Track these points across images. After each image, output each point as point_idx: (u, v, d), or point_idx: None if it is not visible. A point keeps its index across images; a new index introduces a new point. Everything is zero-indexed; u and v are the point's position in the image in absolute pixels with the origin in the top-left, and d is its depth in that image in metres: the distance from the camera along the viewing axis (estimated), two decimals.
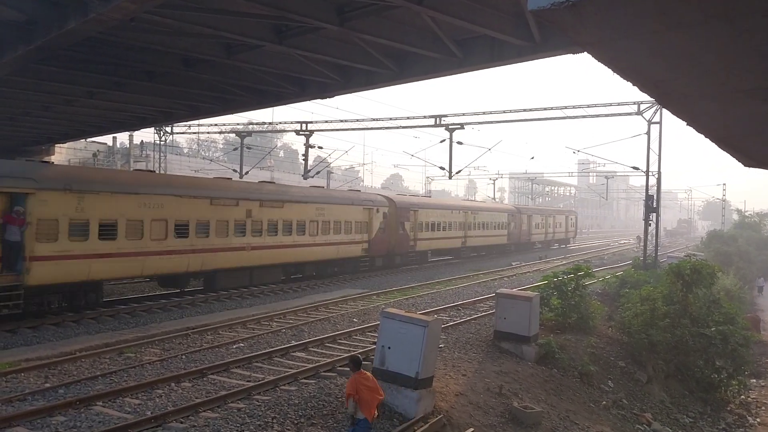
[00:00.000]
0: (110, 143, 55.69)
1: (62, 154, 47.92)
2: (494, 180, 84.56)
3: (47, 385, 12.24)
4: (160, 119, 32.69)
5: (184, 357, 14.85)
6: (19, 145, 39.42)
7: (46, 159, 40.01)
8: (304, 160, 41.61)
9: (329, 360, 14.75)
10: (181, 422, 10.45)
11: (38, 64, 18.18)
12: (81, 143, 49.94)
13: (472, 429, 11.98)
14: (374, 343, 14.77)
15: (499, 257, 48.87)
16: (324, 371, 13.97)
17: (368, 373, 9.95)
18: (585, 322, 20.41)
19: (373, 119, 38.36)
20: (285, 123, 43.43)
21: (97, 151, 52.74)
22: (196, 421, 10.56)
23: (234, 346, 16.13)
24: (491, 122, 36.86)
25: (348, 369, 10.88)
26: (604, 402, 16.67)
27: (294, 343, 16.29)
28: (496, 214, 51.00)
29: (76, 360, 14.12)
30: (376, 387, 9.71)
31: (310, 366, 14.08)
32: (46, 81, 20.85)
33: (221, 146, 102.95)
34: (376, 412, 9.62)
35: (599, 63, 4.00)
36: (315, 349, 16.13)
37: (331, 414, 11.38)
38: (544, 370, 16.66)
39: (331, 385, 12.85)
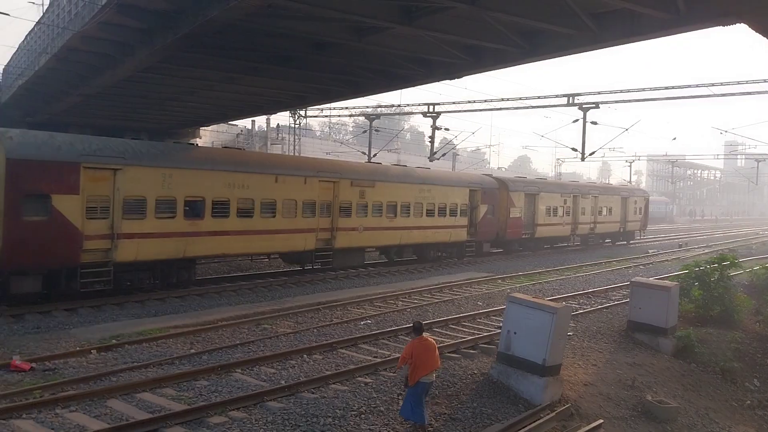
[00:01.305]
0: (249, 126, 58.69)
1: (206, 136, 51.09)
2: (630, 162, 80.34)
3: (192, 351, 13.21)
4: (294, 103, 33.90)
5: (315, 330, 15.47)
6: (168, 128, 42.43)
7: (191, 141, 42.93)
8: (430, 142, 41.63)
9: (453, 342, 14.78)
10: (312, 393, 10.91)
11: (184, 52, 19.39)
12: (223, 126, 52.98)
13: (601, 421, 11.56)
14: (499, 328, 14.62)
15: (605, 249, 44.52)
16: (448, 352, 14.01)
17: (430, 341, 9.99)
18: (729, 315, 18.99)
19: (502, 99, 37.51)
20: (412, 105, 43.61)
21: (240, 132, 55.73)
22: (326, 392, 10.98)
23: (362, 323, 16.56)
24: (629, 101, 34.87)
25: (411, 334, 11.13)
26: (749, 401, 15.47)
27: None
28: (612, 198, 44.43)
29: (218, 329, 15.13)
30: (433, 355, 9.73)
31: None
32: (191, 67, 22.23)
33: (351, 129, 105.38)
34: (431, 378, 9.73)
35: (756, 34, 3.65)
36: (439, 330, 16.21)
37: (455, 395, 11.42)
38: (682, 364, 15.72)
39: (455, 366, 12.89)
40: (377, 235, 25.64)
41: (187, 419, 9.37)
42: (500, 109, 39.01)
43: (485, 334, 15.64)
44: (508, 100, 37.20)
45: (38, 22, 27.60)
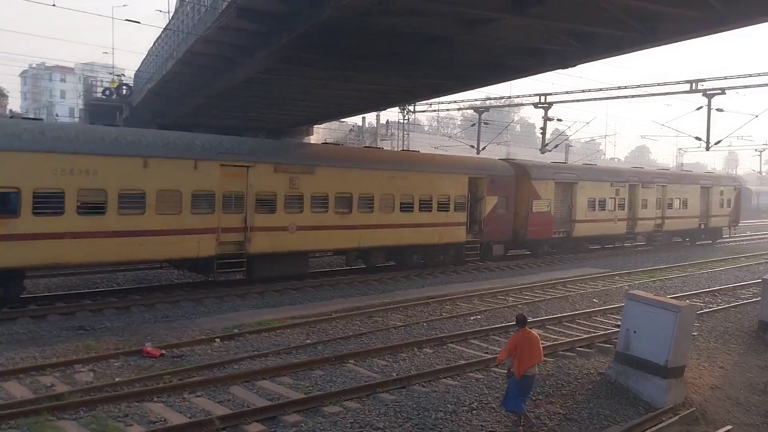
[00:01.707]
0: (359, 123, 59.80)
1: (319, 134, 52.57)
2: (760, 151, 74.47)
3: (308, 341, 13.67)
4: (403, 99, 34.14)
5: (425, 324, 15.55)
6: (283, 127, 44.00)
7: (305, 139, 44.30)
8: (541, 133, 40.59)
9: (568, 339, 14.38)
10: (423, 386, 10.98)
11: (299, 52, 20.01)
12: (335, 124, 54.30)
13: (729, 427, 10.85)
14: (617, 326, 14.07)
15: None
16: (563, 350, 13.64)
17: (533, 333, 9.75)
18: None
19: (618, 87, 35.91)
20: (522, 96, 42.68)
21: (351, 128, 56.95)
22: (437, 386, 11.02)
23: (471, 318, 16.47)
24: (759, 85, 32.35)
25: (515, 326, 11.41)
26: None
27: (530, 319, 16.11)
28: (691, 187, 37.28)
29: (331, 320, 15.56)
30: (537, 348, 9.52)
31: (548, 344, 13.82)
32: (305, 67, 22.91)
33: (459, 123, 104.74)
34: (534, 371, 9.62)
35: None
36: (552, 327, 15.82)
37: (571, 394, 11.11)
38: None
39: (570, 365, 12.53)
40: (322, 236, 20.06)
41: (304, 407, 9.71)
42: (616, 97, 37.39)
43: (602, 332, 15.09)
44: (624, 87, 35.59)
45: (165, 29, 29.51)
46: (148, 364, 11.65)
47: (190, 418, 9.11)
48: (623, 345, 11.90)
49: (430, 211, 23.12)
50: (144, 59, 37.49)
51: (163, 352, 12.30)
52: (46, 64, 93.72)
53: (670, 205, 35.39)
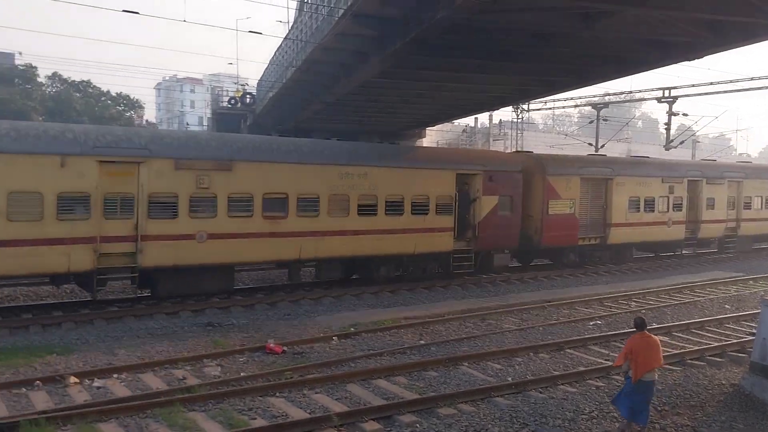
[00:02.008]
0: (472, 123, 59.42)
1: (431, 136, 52.75)
2: None
3: (422, 342, 13.76)
4: (516, 97, 33.51)
5: (541, 329, 15.21)
6: (396, 130, 44.54)
7: (417, 141, 44.56)
8: (665, 129, 38.46)
9: (696, 348, 13.55)
10: (540, 392, 10.74)
11: (413, 55, 20.18)
12: (447, 125, 54.25)
13: None
14: (752, 334, 13.08)
15: None
16: (691, 359, 12.87)
17: (652, 337, 9.17)
18: None
19: (751, 78, 33.40)
20: (644, 90, 40.71)
21: (464, 129, 56.69)
22: (555, 392, 10.74)
23: (591, 323, 15.92)
24: None
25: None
26: None
27: (655, 325, 15.32)
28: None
29: (445, 322, 15.58)
30: (656, 353, 8.97)
31: (675, 352, 13.10)
32: (419, 69, 23.05)
33: (576, 120, 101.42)
34: (653, 377, 9.08)
35: None
36: (680, 335, 14.96)
37: (700, 406, 10.48)
38: None
39: (699, 375, 11.83)
40: (246, 246, 16.76)
41: (419, 408, 9.78)
42: (749, 89, 34.73)
43: (734, 341, 14.10)
44: (758, 79, 33.01)
45: (285, 38, 30.77)
46: (270, 360, 12.19)
47: (309, 413, 9.44)
48: (759, 355, 11.05)
49: (401, 214, 19.20)
50: (266, 69, 39.25)
51: (285, 348, 12.83)
52: (178, 77, 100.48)
53: (747, 205, 29.52)
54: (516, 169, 22.16)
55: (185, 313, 15.81)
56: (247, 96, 45.51)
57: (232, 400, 9.87)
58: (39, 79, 57.40)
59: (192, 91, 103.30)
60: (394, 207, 19.15)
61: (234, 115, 46.12)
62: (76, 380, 10.57)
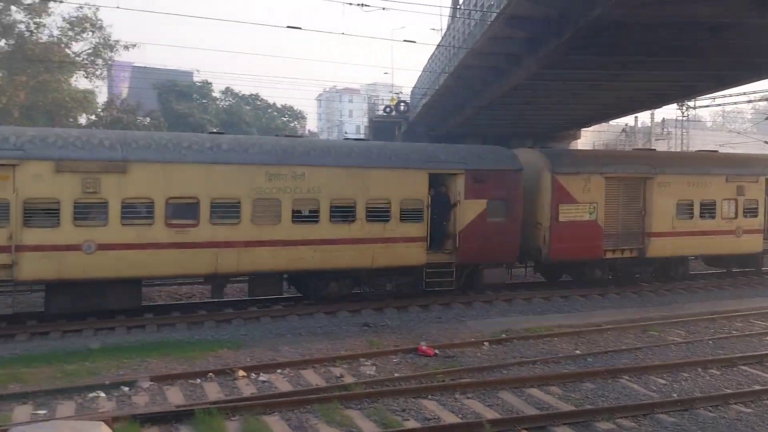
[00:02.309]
0: (632, 123, 56.31)
1: (587, 137, 50.66)
2: None
3: (577, 351, 13.30)
4: (681, 94, 31.32)
5: (710, 342, 14.12)
6: (547, 132, 43.34)
7: (572, 144, 43.06)
8: None
9: None
10: (709, 411, 9.97)
11: (568, 55, 19.60)
12: (603, 125, 51.84)
13: None
14: None
15: None
16: None
17: None
18: None
19: None
20: None
21: (623, 129, 53.91)
22: (726, 412, 9.93)
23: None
24: None
25: None
26: None
27: None
28: None
29: (602, 332, 14.94)
30: None
31: None
32: (574, 69, 22.29)
33: (749, 116, 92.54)
34: None
35: None
36: None
37: None
38: None
39: None
40: (148, 258, 14.68)
41: (574, 420, 9.46)
42: None
43: None
44: None
45: (438, 46, 31.16)
46: (423, 363, 12.39)
47: (461, 418, 9.48)
48: None
49: (352, 221, 16.49)
50: (419, 76, 39.96)
51: (437, 351, 12.98)
52: (337, 87, 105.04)
53: None
54: (513, 167, 18.46)
55: (343, 314, 16.45)
56: (401, 104, 46.53)
57: (386, 400, 10.15)
58: (214, 94, 62.43)
59: (350, 100, 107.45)
60: (343, 213, 16.45)
61: (389, 123, 47.35)
62: (244, 374, 11.41)
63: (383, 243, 16.67)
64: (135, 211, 14.73)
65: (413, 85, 42.67)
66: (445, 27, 31.25)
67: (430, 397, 10.42)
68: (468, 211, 17.59)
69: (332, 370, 11.79)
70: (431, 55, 33.61)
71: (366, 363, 12.31)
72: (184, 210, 15.09)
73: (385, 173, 16.85)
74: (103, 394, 10.26)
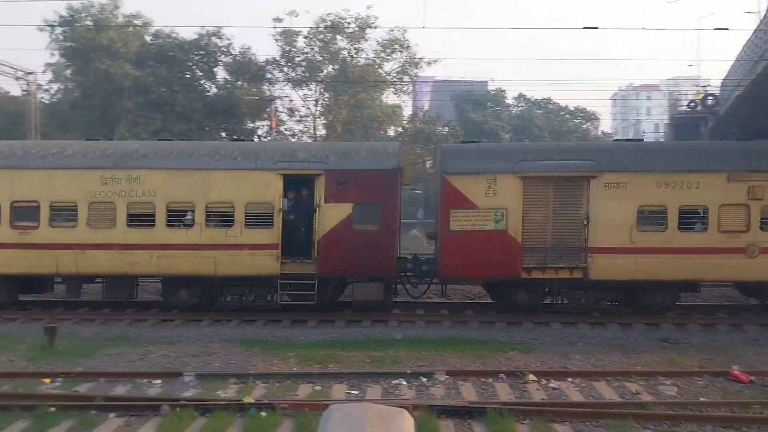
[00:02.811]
0: None
1: None
2: None
3: None
4: None
5: None
6: None
7: None
8: None
9: None
10: None
11: None
12: None
13: None
14: None
15: None
16: None
17: None
18: None
19: None
20: None
21: None
22: None
23: None
24: None
25: None
26: None
27: None
28: None
29: None
30: None
31: None
32: None
33: None
34: None
35: None
36: None
37: None
38: None
39: None
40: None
41: None
42: None
43: None
44: None
45: (755, 30, 27.50)
46: (735, 389, 11.07)
47: None
48: None
49: (190, 226, 15.78)
50: (732, 66, 35.80)
51: (753, 378, 11.49)
52: (634, 85, 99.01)
53: None
54: (387, 166, 16.04)
55: (639, 326, 15.55)
56: (709, 98, 42.08)
57: (690, 425, 9.27)
58: (507, 101, 63.72)
59: (648, 98, 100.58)
60: (181, 217, 16.06)
61: (693, 119, 43.23)
62: (535, 378, 11.43)
63: (226, 250, 15.82)
64: None
65: (724, 76, 38.22)
66: (764, 9, 27.44)
67: (743, 429, 9.25)
68: (327, 217, 15.84)
69: (627, 386, 11.16)
70: (746, 42, 29.77)
71: (665, 382, 11.39)
72: (27, 213, 16.12)
73: (228, 175, 15.94)
74: (404, 382, 11.21)
